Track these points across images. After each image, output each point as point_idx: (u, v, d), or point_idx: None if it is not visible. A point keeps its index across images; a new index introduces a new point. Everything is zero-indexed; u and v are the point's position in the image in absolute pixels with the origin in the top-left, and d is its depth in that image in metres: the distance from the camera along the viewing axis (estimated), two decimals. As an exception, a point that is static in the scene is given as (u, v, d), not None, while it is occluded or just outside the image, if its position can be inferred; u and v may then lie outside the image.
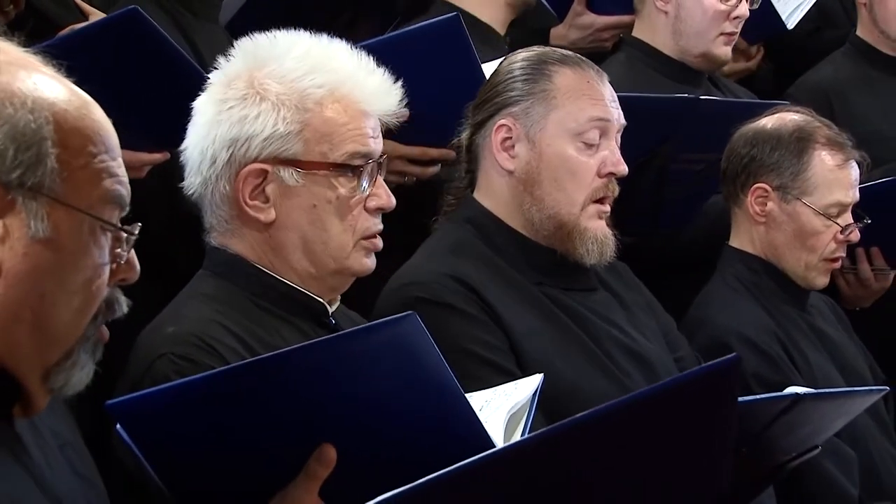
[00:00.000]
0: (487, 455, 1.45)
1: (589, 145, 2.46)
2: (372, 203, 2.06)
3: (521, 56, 2.57)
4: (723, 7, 3.38)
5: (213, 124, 2.06)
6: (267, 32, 2.52)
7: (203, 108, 2.10)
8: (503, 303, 2.41)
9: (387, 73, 2.16)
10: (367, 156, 2.05)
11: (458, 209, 2.56)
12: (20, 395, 1.43)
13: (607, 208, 2.49)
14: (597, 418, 1.47)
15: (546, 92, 2.48)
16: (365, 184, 2.05)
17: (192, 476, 1.67)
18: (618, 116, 2.53)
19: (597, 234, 2.48)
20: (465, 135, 2.60)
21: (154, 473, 1.64)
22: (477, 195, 2.53)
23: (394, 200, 2.14)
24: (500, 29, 3.32)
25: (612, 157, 2.48)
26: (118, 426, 1.61)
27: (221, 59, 2.38)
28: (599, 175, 2.47)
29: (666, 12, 3.41)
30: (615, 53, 3.57)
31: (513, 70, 2.52)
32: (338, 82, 2.04)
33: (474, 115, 2.58)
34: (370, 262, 2.10)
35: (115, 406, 1.59)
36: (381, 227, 2.12)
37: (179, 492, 1.67)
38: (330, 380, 1.65)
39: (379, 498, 1.33)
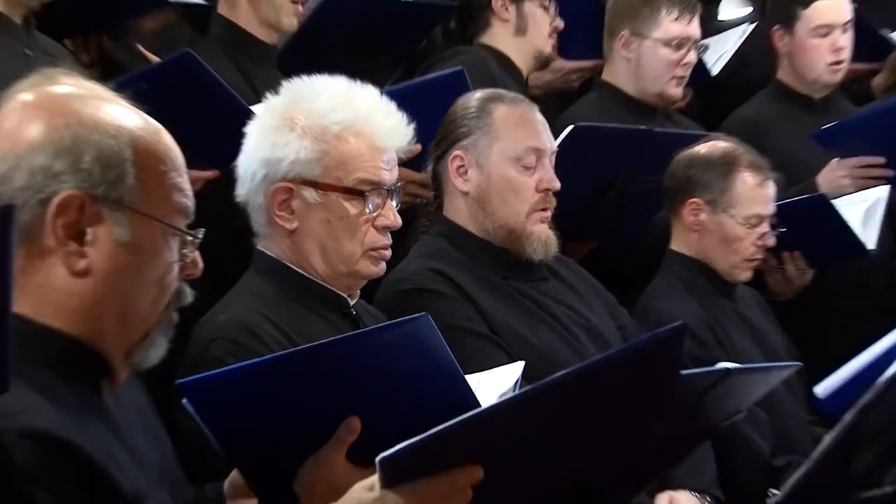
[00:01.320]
0: (481, 411, 1.45)
1: (527, 168, 2.50)
2: (380, 222, 2.07)
3: (470, 98, 2.59)
4: (675, 56, 3.40)
5: (255, 147, 2.08)
6: (309, 73, 2.50)
7: (251, 133, 2.12)
8: (476, 291, 2.44)
9: (403, 115, 2.13)
10: (376, 183, 2.05)
11: (432, 227, 2.58)
12: (107, 371, 1.42)
13: (548, 214, 2.52)
14: (566, 380, 1.41)
15: (488, 126, 2.50)
16: (371, 206, 2.05)
17: (245, 442, 1.63)
18: (549, 143, 2.57)
19: (540, 236, 2.51)
20: (430, 167, 2.62)
21: (213, 439, 1.60)
22: (446, 213, 2.56)
23: (399, 221, 2.15)
24: (526, 73, 3.39)
25: (547, 176, 2.51)
26: (185, 401, 1.58)
27: (270, 95, 2.36)
28: (537, 190, 2.50)
29: (629, 59, 3.44)
30: (587, 93, 3.61)
31: (462, 110, 2.55)
32: (356, 121, 2.04)
33: (435, 150, 2.59)
34: (377, 269, 2.12)
35: (184, 384, 1.55)
36: (388, 240, 2.11)
37: (233, 455, 1.65)
38: (359, 365, 1.62)
39: (397, 447, 1.30)
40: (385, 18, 3.31)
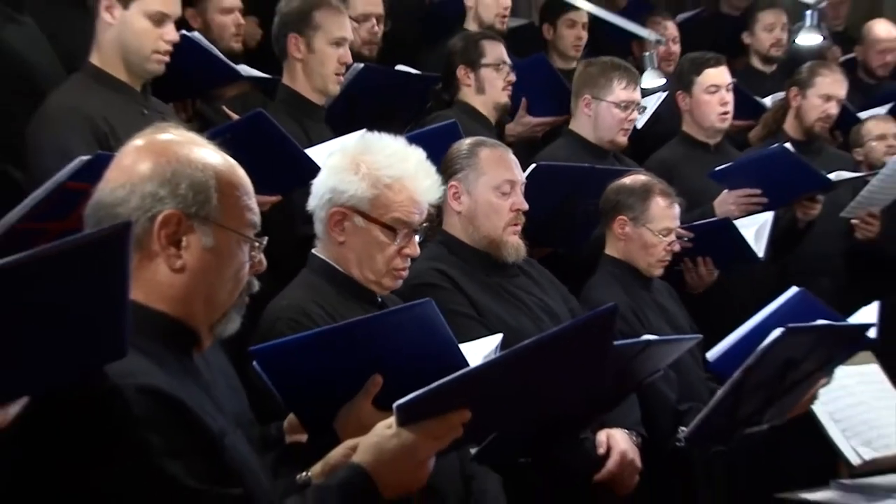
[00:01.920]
0: (470, 370, 1.45)
1: (504, 194, 2.48)
2: (405, 252, 2.03)
3: (462, 142, 2.58)
4: (623, 115, 3.38)
5: (327, 176, 2.06)
6: (347, 127, 2.62)
7: (326, 165, 2.11)
8: (466, 284, 2.42)
9: (438, 176, 2.13)
10: (407, 224, 2.02)
11: (434, 237, 2.54)
12: (196, 342, 1.43)
13: (518, 228, 2.50)
14: (531, 347, 1.43)
15: (476, 164, 2.49)
16: (399, 240, 2.02)
17: (298, 393, 1.62)
18: (520, 176, 2.56)
19: (513, 244, 2.49)
20: None
21: (275, 391, 1.60)
22: (444, 227, 2.54)
23: (419, 251, 2.11)
24: (493, 120, 3.40)
25: (518, 200, 2.49)
26: (254, 363, 1.58)
27: (345, 138, 2.45)
28: (511, 211, 2.48)
29: (589, 115, 3.40)
30: (558, 139, 3.57)
31: (456, 151, 2.53)
32: (404, 177, 2.01)
33: None
34: (395, 284, 2.08)
35: (255, 351, 1.58)
36: (407, 264, 2.07)
37: (289, 402, 1.65)
38: (382, 336, 1.63)
39: (409, 396, 1.32)
40: (394, 85, 3.37)
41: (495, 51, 3.44)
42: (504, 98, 3.48)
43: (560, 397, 1.61)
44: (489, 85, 3.42)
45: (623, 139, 3.44)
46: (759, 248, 3.20)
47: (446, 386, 1.33)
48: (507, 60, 3.47)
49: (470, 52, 3.43)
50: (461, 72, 3.43)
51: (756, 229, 3.22)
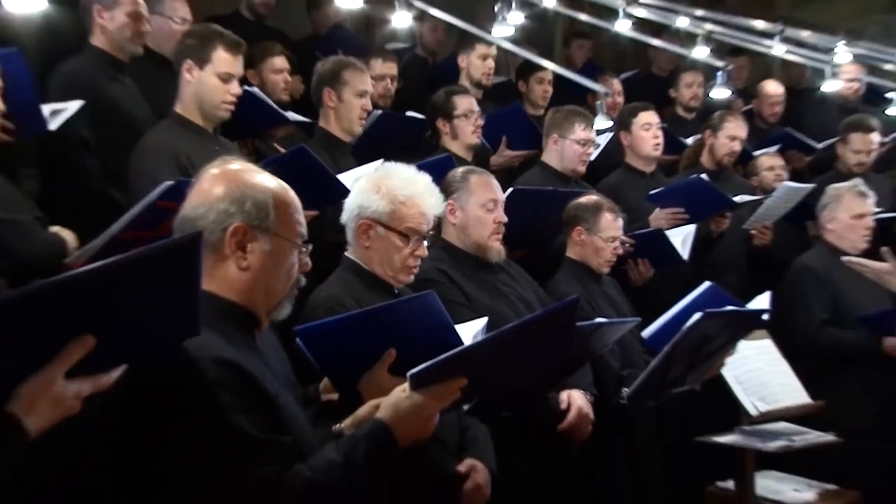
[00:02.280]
0: (466, 347, 1.46)
1: (489, 210, 2.44)
2: (416, 253, 2.00)
3: (457, 171, 2.54)
4: (582, 150, 3.35)
5: (356, 195, 2.03)
6: (369, 159, 2.55)
7: (355, 187, 2.08)
8: (460, 280, 2.38)
9: (441, 195, 2.10)
10: (417, 232, 1.99)
11: (435, 243, 2.47)
12: (257, 324, 1.42)
13: (500, 236, 2.47)
14: (512, 329, 1.44)
15: (467, 187, 2.45)
16: (411, 245, 1.98)
17: (331, 362, 1.61)
18: (501, 196, 2.52)
19: (496, 248, 2.46)
20: None
21: (314, 361, 1.59)
22: (443, 235, 2.48)
23: (427, 252, 2.08)
24: (469, 161, 3.24)
25: (499, 214, 2.46)
26: (297, 340, 1.56)
27: (366, 167, 2.42)
28: (494, 223, 2.44)
29: (557, 150, 3.37)
30: (532, 167, 3.51)
31: (452, 177, 2.49)
32: (415, 196, 1.98)
33: None
34: (408, 279, 2.03)
35: (298, 331, 1.56)
36: (418, 263, 2.03)
37: (324, 369, 1.63)
38: (397, 319, 1.61)
39: (420, 367, 1.32)
40: (404, 127, 3.34)
41: (464, 103, 3.35)
42: (474, 140, 3.38)
43: (534, 367, 1.61)
44: (461, 131, 3.32)
45: (582, 168, 3.42)
46: (685, 253, 3.19)
47: (449, 359, 1.33)
48: (476, 109, 3.38)
49: (444, 106, 3.34)
50: (440, 123, 3.34)
51: (682, 238, 3.21)
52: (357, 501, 1.30)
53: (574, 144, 3.36)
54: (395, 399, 1.34)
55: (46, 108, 2.38)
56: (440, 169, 2.48)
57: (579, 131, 3.35)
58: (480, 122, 3.39)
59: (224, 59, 2.51)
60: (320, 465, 1.26)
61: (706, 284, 2.76)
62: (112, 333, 1.03)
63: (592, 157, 3.61)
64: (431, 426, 1.35)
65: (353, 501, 1.30)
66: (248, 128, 2.98)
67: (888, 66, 4.54)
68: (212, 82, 2.52)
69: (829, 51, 4.20)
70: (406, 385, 1.34)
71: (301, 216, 1.43)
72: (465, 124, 3.32)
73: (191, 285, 1.14)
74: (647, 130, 3.61)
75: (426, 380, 1.33)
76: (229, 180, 1.38)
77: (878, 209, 3.41)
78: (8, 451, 0.95)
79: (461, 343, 1.65)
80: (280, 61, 3.40)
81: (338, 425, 1.47)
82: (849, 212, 3.25)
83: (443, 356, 1.32)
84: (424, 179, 2.03)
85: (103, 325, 1.02)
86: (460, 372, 1.35)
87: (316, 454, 1.29)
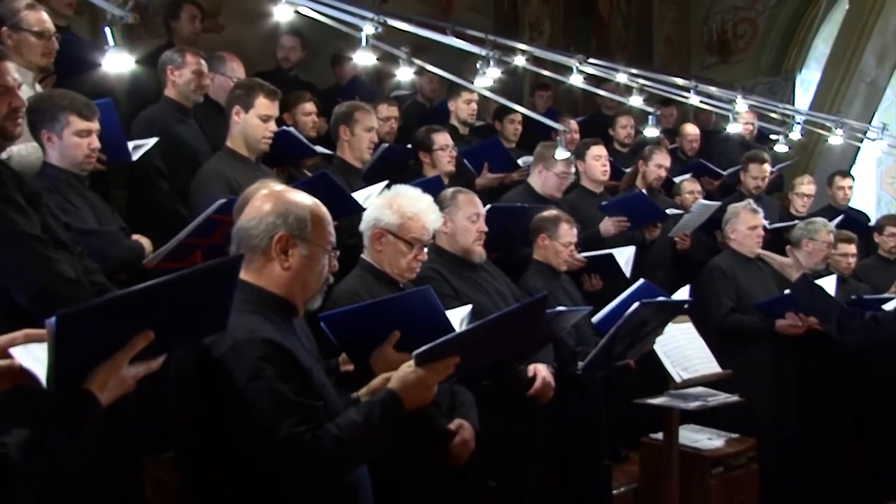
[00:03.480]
0: (459, 333, 1.44)
1: (473, 222, 2.39)
2: (419, 258, 1.96)
3: (448, 190, 2.48)
4: (560, 181, 3.29)
5: (371, 210, 1.99)
6: (377, 180, 2.50)
7: (371, 203, 2.04)
8: (449, 277, 2.33)
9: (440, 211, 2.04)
10: (419, 241, 1.94)
11: (430, 248, 2.40)
12: (295, 312, 1.39)
13: (482, 241, 2.42)
14: (495, 319, 1.44)
15: (456, 204, 2.39)
16: (414, 251, 1.94)
17: (349, 340, 1.58)
18: (483, 210, 2.42)
19: (478, 251, 2.42)
20: None
21: (335, 340, 1.57)
22: (436, 242, 2.37)
23: (426, 257, 2.02)
24: (446, 183, 3.13)
25: (481, 225, 2.41)
26: (322, 323, 1.54)
27: (373, 187, 2.38)
28: (477, 231, 2.40)
29: (541, 177, 3.29)
30: (518, 187, 3.41)
31: (444, 196, 2.42)
32: (419, 213, 1.94)
33: None
34: (412, 277, 1.99)
35: (323, 316, 1.55)
36: (419, 265, 1.97)
37: (343, 346, 1.60)
38: (402, 308, 1.60)
39: (424, 347, 1.31)
40: (397, 155, 3.25)
41: (440, 139, 3.27)
42: (450, 168, 3.28)
43: (510, 346, 1.60)
44: (439, 161, 3.24)
45: (559, 195, 3.34)
46: (627, 271, 3.10)
47: (447, 342, 1.33)
48: (450, 143, 3.28)
49: (425, 141, 3.27)
50: (421, 155, 3.27)
51: (626, 260, 3.14)
52: (373, 452, 1.31)
53: (555, 176, 3.29)
54: (403, 373, 1.33)
55: (131, 144, 2.46)
56: (433, 187, 2.46)
57: (560, 166, 3.28)
58: (454, 153, 3.31)
59: (264, 104, 2.52)
60: (345, 424, 1.25)
61: (640, 281, 2.76)
62: (165, 329, 1.03)
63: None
64: (431, 395, 1.34)
65: (370, 452, 1.31)
66: (284, 159, 2.97)
67: (773, 115, 4.67)
68: (254, 122, 2.53)
69: (730, 102, 4.26)
70: (412, 362, 1.33)
71: (331, 227, 1.41)
72: (443, 156, 3.25)
73: (228, 293, 1.12)
74: (598, 160, 3.58)
75: (428, 358, 1.32)
76: (276, 199, 1.37)
77: (767, 221, 3.47)
78: (90, 418, 0.97)
79: (451, 326, 1.65)
80: (309, 106, 3.38)
81: (355, 393, 1.45)
82: (745, 224, 3.27)
83: (442, 339, 1.30)
84: (427, 199, 2.00)
85: (160, 322, 1.02)
86: (455, 352, 1.34)
87: (341, 415, 1.28)
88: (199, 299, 1.07)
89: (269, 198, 1.37)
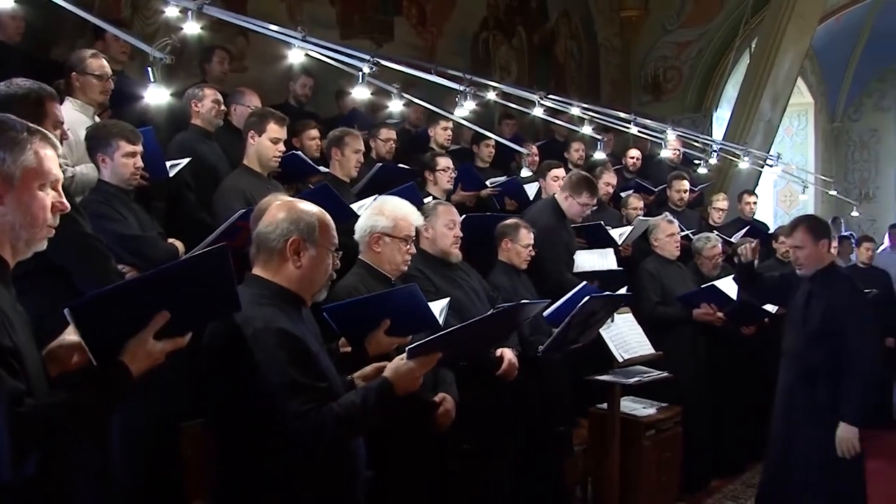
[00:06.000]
0: (447, 331, 1.36)
1: (450, 228, 2.35)
2: (410, 251, 1.94)
3: (430, 202, 2.46)
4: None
5: (365, 218, 1.97)
6: (369, 195, 2.48)
7: (364, 212, 2.01)
8: (431, 275, 2.29)
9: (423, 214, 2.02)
10: (410, 237, 1.93)
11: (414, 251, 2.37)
12: (304, 303, 1.38)
13: (458, 245, 2.38)
14: (479, 320, 1.44)
15: (436, 213, 2.35)
16: (408, 246, 1.93)
17: (348, 327, 1.55)
18: (459, 218, 2.33)
19: (456, 253, 2.38)
20: None
21: (335, 327, 1.54)
22: (420, 245, 2.31)
23: (415, 251, 1.97)
24: (443, 198, 3.11)
25: (457, 231, 2.37)
26: (324, 314, 1.52)
27: (364, 201, 2.35)
28: (454, 237, 2.36)
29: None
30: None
31: (427, 206, 2.39)
32: (406, 216, 1.93)
33: None
34: (404, 269, 1.97)
35: (326, 308, 1.53)
36: (410, 259, 1.94)
37: (343, 331, 1.56)
38: (392, 301, 1.57)
39: (416, 342, 1.29)
40: (395, 175, 3.19)
41: (443, 161, 3.29)
42: (448, 185, 3.32)
43: (487, 337, 1.64)
44: (440, 180, 3.26)
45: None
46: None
47: (434, 340, 1.31)
48: (451, 166, 3.32)
49: (430, 163, 3.28)
50: (427, 174, 3.28)
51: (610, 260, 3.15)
52: (368, 428, 1.32)
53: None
54: (396, 364, 1.32)
55: (168, 163, 2.51)
56: (409, 194, 2.44)
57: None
58: (453, 175, 3.32)
59: (274, 129, 2.56)
60: (345, 404, 1.25)
61: (583, 283, 2.75)
62: (179, 310, 1.04)
63: (532, 196, 3.53)
64: (419, 383, 1.33)
65: (365, 428, 1.31)
66: (293, 176, 2.96)
67: (696, 143, 4.81)
68: (266, 144, 2.56)
69: (662, 132, 4.35)
70: (404, 355, 1.32)
71: (335, 232, 1.39)
72: (443, 176, 3.26)
73: (226, 278, 1.10)
74: (556, 181, 3.57)
75: (418, 353, 1.32)
76: (289, 208, 1.36)
77: (683, 229, 3.58)
78: (124, 386, 1.00)
79: (433, 316, 1.63)
80: (314, 132, 3.35)
81: (349, 376, 1.44)
82: (664, 233, 3.38)
83: (430, 337, 1.30)
84: (408, 203, 1.99)
85: (173, 304, 1.04)
86: (439, 348, 1.33)
87: (343, 397, 1.27)
88: (201, 284, 1.07)
89: (283, 207, 1.37)
